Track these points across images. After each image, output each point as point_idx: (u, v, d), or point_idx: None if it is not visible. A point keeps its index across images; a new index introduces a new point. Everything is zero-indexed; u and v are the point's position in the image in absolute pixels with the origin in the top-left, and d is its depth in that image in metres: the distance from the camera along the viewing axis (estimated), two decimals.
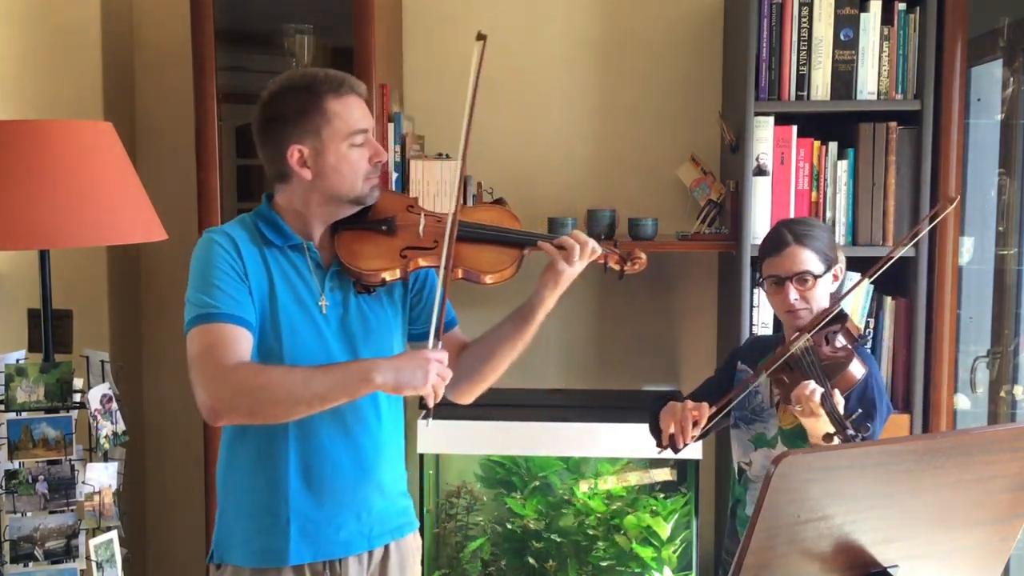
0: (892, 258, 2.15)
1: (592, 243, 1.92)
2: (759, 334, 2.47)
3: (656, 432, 2.20)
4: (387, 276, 1.91)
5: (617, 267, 1.97)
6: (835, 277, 2.20)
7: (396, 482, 2.04)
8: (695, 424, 2.09)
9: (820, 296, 2.16)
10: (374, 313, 1.96)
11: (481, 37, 1.90)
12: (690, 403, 2.13)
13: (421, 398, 1.82)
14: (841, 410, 1.95)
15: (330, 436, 1.91)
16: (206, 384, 1.77)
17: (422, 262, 1.92)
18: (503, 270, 1.92)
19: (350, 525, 1.95)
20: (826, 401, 1.95)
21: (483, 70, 1.92)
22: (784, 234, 2.17)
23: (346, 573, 1.95)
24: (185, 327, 1.85)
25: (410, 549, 2.06)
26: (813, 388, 1.96)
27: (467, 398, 2.07)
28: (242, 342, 1.80)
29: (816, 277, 2.15)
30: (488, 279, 1.92)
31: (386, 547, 2.01)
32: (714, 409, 2.13)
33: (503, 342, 1.98)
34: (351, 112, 1.87)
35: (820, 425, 1.96)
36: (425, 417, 1.83)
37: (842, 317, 2.14)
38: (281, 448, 1.90)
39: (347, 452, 1.92)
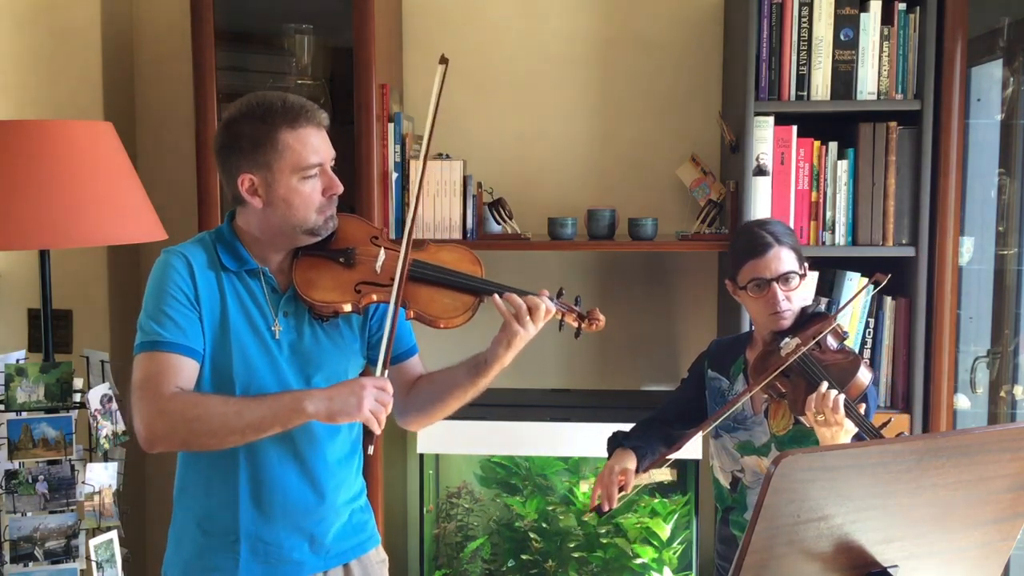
0: (827, 330, 2.12)
1: (546, 305, 1.85)
2: (720, 338, 2.47)
3: None
4: (339, 308, 1.88)
5: (575, 324, 1.91)
6: (804, 275, 2.19)
7: (353, 500, 2.02)
8: (621, 489, 2.18)
9: (800, 295, 2.17)
10: (330, 339, 1.93)
11: (444, 61, 1.90)
12: (617, 468, 2.19)
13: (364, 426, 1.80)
14: (862, 413, 1.96)
15: (280, 458, 1.89)
16: (142, 412, 1.78)
17: (375, 297, 1.89)
18: (454, 317, 1.88)
19: (303, 547, 1.93)
20: (851, 410, 1.94)
21: (443, 94, 1.89)
22: (764, 236, 2.16)
23: None
24: (134, 350, 1.87)
25: (373, 564, 2.04)
26: (836, 397, 1.95)
27: (415, 427, 2.07)
28: (184, 371, 1.81)
29: (800, 276, 2.15)
30: (441, 324, 1.88)
31: (346, 566, 1.99)
32: (641, 475, 2.20)
33: (454, 388, 1.95)
34: (304, 146, 1.83)
35: (840, 435, 1.96)
36: (367, 445, 1.82)
37: (825, 317, 2.13)
38: (232, 469, 1.89)
39: (297, 476, 1.91)
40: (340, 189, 1.89)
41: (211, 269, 1.88)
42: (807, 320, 2.14)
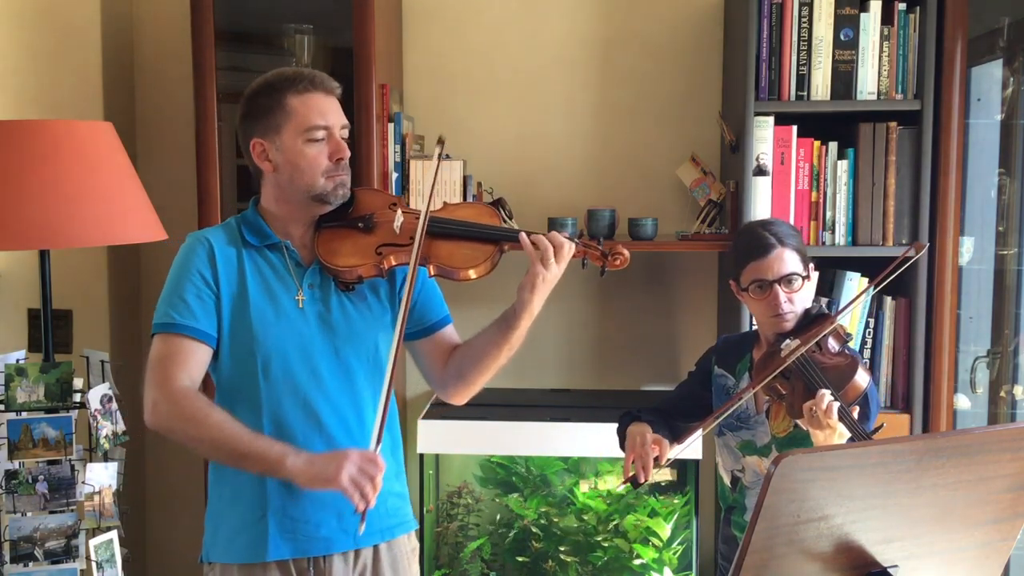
0: (856, 300, 2.11)
1: (568, 244, 1.88)
2: (728, 335, 2.46)
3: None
4: (362, 273, 1.92)
5: (598, 263, 1.92)
6: (809, 277, 2.16)
7: (386, 481, 2.00)
8: (656, 460, 2.09)
9: (804, 297, 2.14)
10: (358, 310, 1.96)
11: (440, 141, 1.94)
12: (650, 436, 2.12)
13: None
14: (856, 419, 1.95)
15: (306, 436, 1.92)
16: (150, 393, 1.86)
17: (393, 260, 1.92)
18: (477, 265, 1.90)
19: (331, 523, 1.94)
20: (845, 415, 1.93)
21: (438, 175, 1.95)
22: (766, 236, 2.12)
23: (331, 571, 1.95)
24: (152, 330, 1.92)
25: (403, 550, 2.05)
26: (830, 402, 1.93)
27: (459, 399, 2.07)
28: (194, 355, 1.88)
29: (803, 278, 2.12)
30: (461, 274, 1.91)
31: (375, 547, 2.00)
32: (675, 446, 2.12)
33: (489, 347, 1.96)
34: (309, 108, 1.90)
35: (833, 438, 1.95)
36: (356, 515, 1.82)
37: (827, 318, 2.11)
38: None
39: (324, 450, 1.91)
40: (347, 153, 1.93)
41: (232, 246, 1.95)
42: (810, 322, 2.11)
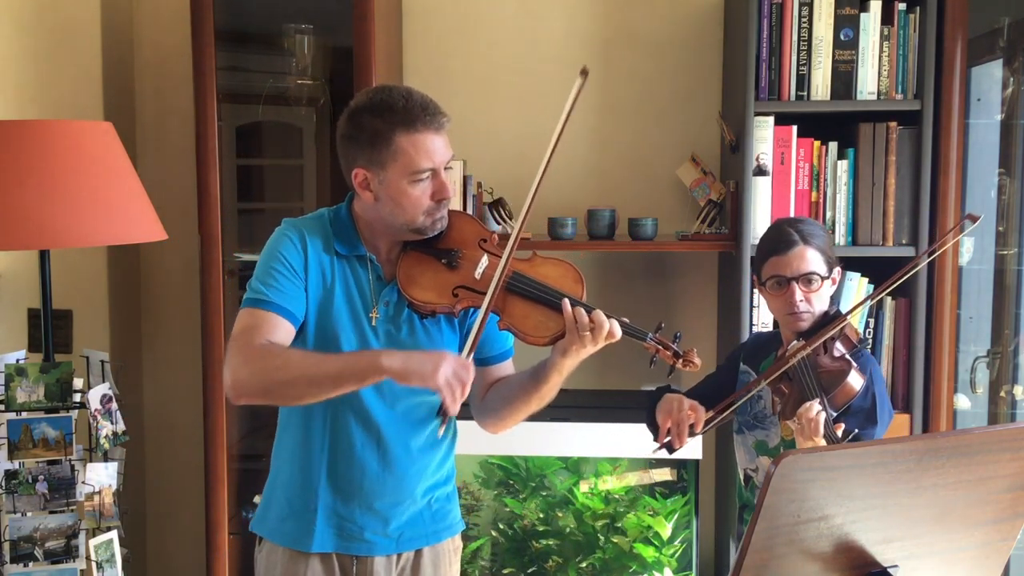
0: (912, 270, 2.06)
1: (608, 327, 1.80)
2: (761, 332, 2.44)
3: (653, 425, 2.17)
4: (436, 310, 1.90)
5: (669, 363, 1.88)
6: (834, 281, 2.15)
7: (436, 487, 2.04)
8: (691, 427, 2.07)
9: (823, 299, 2.12)
10: (427, 335, 1.96)
11: (584, 72, 1.87)
12: (687, 402, 2.09)
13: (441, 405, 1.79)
14: (839, 435, 1.94)
15: (362, 442, 1.94)
16: (231, 362, 1.82)
17: (468, 304, 1.89)
18: (548, 336, 1.86)
19: (376, 528, 1.97)
20: (828, 427, 1.93)
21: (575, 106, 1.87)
22: (791, 233, 2.11)
23: (374, 569, 1.98)
24: (241, 305, 1.92)
25: (446, 552, 2.07)
26: (818, 411, 1.93)
27: (491, 430, 2.05)
28: (280, 329, 1.86)
29: (823, 279, 2.10)
30: (530, 340, 1.87)
31: (418, 551, 2.02)
32: (711, 414, 2.10)
33: (520, 392, 1.95)
34: (418, 151, 1.85)
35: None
36: (440, 420, 1.83)
37: (837, 321, 2.08)
38: (316, 443, 1.95)
39: (378, 461, 1.95)
40: (450, 195, 1.91)
41: (326, 253, 1.94)
42: (826, 324, 2.08)
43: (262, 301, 1.87)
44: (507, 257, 1.83)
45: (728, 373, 2.32)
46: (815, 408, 1.93)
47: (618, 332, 1.83)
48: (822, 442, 1.93)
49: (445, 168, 1.90)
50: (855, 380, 2.02)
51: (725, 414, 2.13)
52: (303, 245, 1.92)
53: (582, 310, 1.82)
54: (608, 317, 1.82)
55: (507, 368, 2.06)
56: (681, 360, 1.87)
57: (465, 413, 2.07)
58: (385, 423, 1.94)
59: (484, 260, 1.91)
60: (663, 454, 2.13)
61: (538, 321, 1.86)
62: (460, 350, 1.94)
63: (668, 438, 2.09)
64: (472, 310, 1.91)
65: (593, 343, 1.82)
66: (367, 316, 1.93)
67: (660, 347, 1.88)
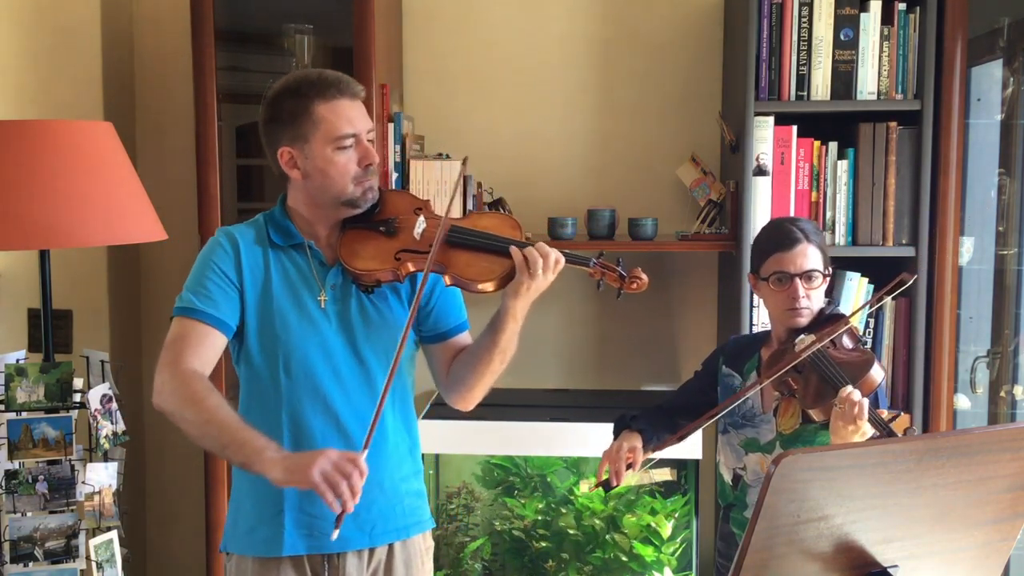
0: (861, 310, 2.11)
1: (555, 255, 1.85)
2: (739, 335, 2.46)
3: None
4: (380, 277, 1.93)
5: (615, 286, 1.92)
6: (826, 278, 2.20)
7: (403, 481, 2.04)
8: (629, 466, 2.17)
9: (820, 296, 2.17)
10: (378, 312, 1.98)
11: (464, 161, 2.03)
12: (625, 445, 2.19)
13: None
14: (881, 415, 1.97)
15: (324, 433, 1.94)
16: (160, 372, 1.87)
17: (411, 266, 1.92)
18: (493, 279, 1.89)
19: (346, 521, 1.93)
20: (870, 410, 1.95)
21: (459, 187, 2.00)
22: (794, 231, 2.16)
23: (345, 569, 1.97)
24: (172, 314, 1.95)
25: (417, 549, 2.07)
26: (860, 401, 1.95)
27: (462, 404, 2.07)
28: (208, 340, 1.89)
29: (823, 276, 2.16)
30: (477, 287, 1.89)
31: (390, 546, 2.02)
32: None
33: (480, 351, 1.97)
34: (337, 116, 1.89)
35: (856, 436, 1.96)
36: (350, 516, 1.76)
37: (843, 318, 2.14)
38: (278, 440, 1.91)
39: (339, 448, 1.90)
40: (375, 159, 1.94)
41: (258, 245, 1.97)
42: (824, 321, 2.14)
43: (192, 310, 1.89)
44: (447, 210, 1.89)
45: (707, 378, 2.34)
46: (856, 394, 1.96)
47: (563, 260, 1.88)
48: (866, 426, 1.95)
49: (368, 139, 1.93)
50: (877, 372, 2.06)
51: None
52: (234, 247, 1.95)
53: (529, 247, 1.87)
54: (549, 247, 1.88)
55: (464, 340, 2.08)
56: (626, 280, 1.92)
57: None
58: (342, 407, 1.94)
59: (421, 220, 1.95)
60: (599, 492, 2.26)
61: (483, 267, 1.89)
62: (413, 325, 1.97)
63: (606, 478, 2.20)
64: (418, 275, 1.94)
65: (544, 277, 1.86)
66: (315, 301, 1.94)
67: (605, 270, 1.92)
